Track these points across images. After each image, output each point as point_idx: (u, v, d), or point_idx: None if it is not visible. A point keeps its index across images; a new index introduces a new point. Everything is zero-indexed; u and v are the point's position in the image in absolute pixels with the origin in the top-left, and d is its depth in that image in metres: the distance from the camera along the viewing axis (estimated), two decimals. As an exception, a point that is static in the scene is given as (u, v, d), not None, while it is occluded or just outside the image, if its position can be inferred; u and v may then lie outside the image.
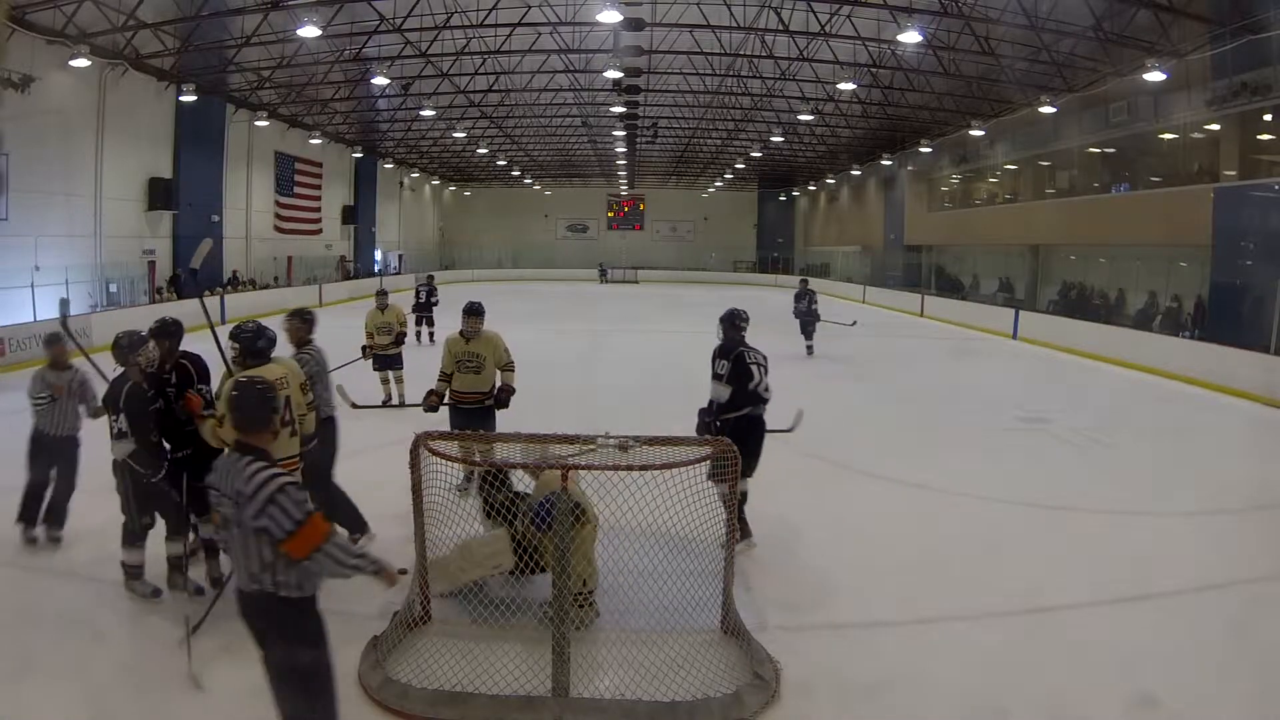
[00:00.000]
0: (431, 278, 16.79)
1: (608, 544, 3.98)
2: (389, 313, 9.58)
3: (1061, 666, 3.99)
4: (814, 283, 16.62)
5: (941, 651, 4.15)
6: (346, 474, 5.22)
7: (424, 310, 15.15)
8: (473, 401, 6.01)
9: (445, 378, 6.04)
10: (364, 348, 9.50)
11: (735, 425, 5.12)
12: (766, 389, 5.23)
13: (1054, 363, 15.63)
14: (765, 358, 5.36)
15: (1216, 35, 13.94)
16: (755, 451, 5.20)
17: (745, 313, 5.61)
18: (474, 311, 6.09)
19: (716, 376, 5.30)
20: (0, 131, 14.14)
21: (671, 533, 3.79)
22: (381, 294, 10.05)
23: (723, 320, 5.55)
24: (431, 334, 15.04)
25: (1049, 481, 7.23)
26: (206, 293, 19.82)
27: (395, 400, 9.41)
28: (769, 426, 5.36)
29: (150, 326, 4.63)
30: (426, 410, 6.01)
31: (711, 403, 5.35)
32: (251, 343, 4.34)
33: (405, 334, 9.63)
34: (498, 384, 6.10)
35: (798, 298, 15.09)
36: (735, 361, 5.21)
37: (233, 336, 4.40)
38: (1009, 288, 24.40)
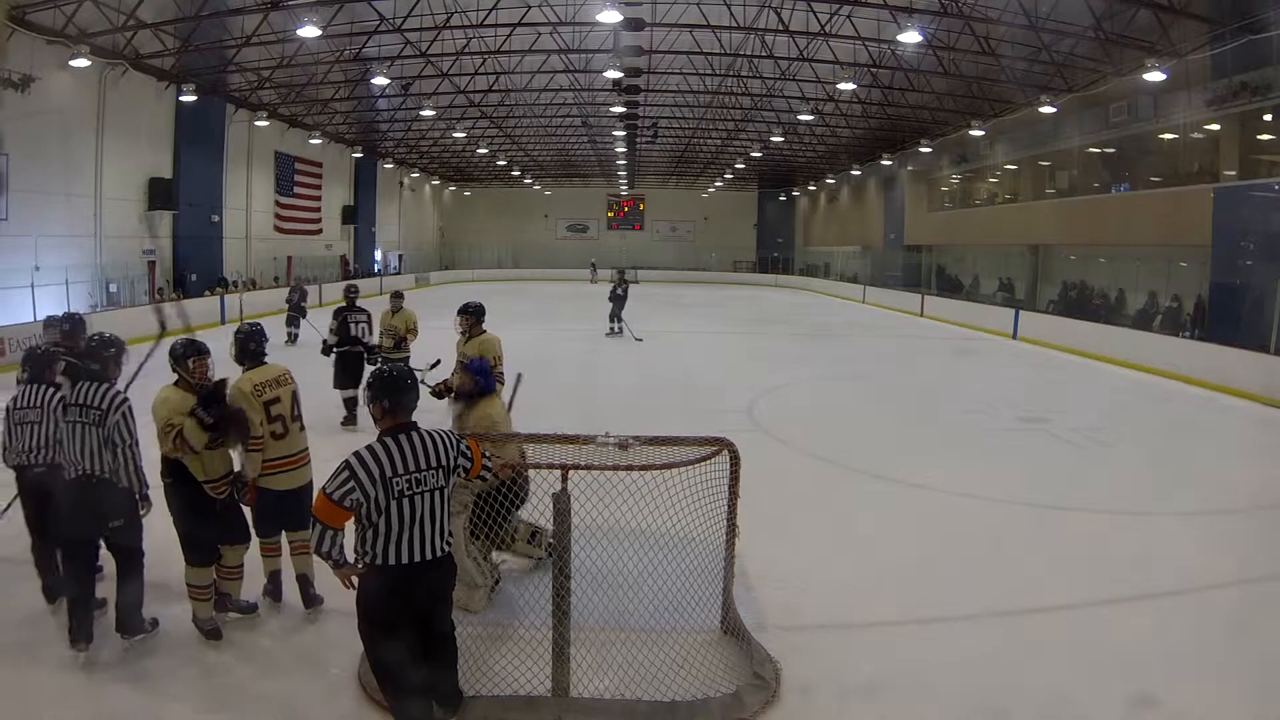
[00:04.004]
0: (300, 280, 19.67)
1: (608, 544, 3.98)
2: (398, 316, 9.39)
3: (1061, 666, 3.99)
4: (815, 283, 16.80)
5: (941, 651, 4.15)
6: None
7: (297, 311, 15.85)
8: None
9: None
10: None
11: (341, 356, 8.74)
12: (365, 333, 8.82)
13: (1054, 363, 15.62)
14: (368, 315, 8.95)
15: (1216, 35, 13.93)
16: (357, 376, 8.59)
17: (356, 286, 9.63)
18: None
19: (330, 330, 8.83)
20: (0, 131, 14.14)
21: (671, 532, 3.78)
22: (397, 295, 9.84)
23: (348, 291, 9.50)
24: (295, 335, 15.58)
25: (1049, 481, 7.22)
26: (206, 292, 19.88)
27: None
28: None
29: None
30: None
31: (326, 340, 8.90)
32: (244, 344, 4.42)
33: (408, 339, 9.49)
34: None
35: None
36: (340, 321, 8.80)
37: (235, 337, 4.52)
38: (1009, 288, 24.37)
